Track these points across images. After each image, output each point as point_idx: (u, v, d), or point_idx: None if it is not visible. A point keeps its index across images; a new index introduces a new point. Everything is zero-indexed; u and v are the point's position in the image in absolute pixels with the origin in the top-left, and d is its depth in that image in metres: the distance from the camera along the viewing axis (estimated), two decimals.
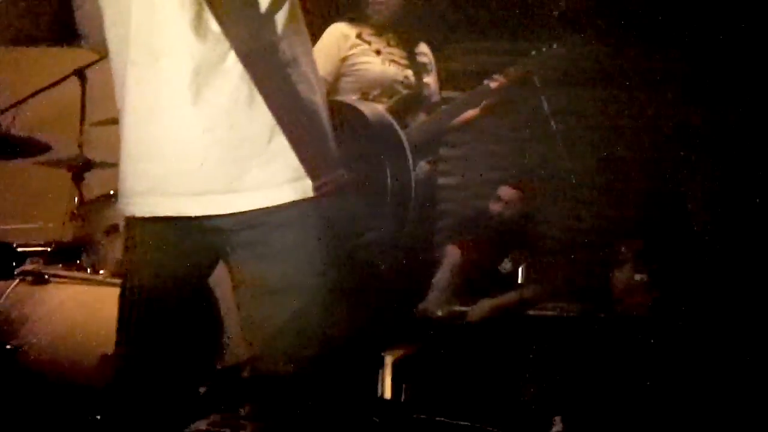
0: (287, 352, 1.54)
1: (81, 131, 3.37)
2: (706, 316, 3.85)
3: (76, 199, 3.24)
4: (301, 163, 1.51)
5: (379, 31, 3.10)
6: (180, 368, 1.66)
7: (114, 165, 3.37)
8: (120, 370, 1.66)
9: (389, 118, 1.73)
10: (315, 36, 3.11)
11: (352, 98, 2.89)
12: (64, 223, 3.30)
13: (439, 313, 4.51)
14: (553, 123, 2.56)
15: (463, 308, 4.54)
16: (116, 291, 2.60)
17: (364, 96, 3.02)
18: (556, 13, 2.96)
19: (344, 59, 3.03)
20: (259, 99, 1.50)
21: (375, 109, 1.75)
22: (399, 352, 4.12)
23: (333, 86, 3.03)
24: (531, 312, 4.55)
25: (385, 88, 3.03)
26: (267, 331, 1.55)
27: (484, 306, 4.44)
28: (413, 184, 1.69)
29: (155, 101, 1.52)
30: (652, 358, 3.89)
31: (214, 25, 1.49)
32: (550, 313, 4.53)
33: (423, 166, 3.08)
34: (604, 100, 5.43)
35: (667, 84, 5.41)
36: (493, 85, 3.10)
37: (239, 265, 1.57)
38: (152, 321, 1.63)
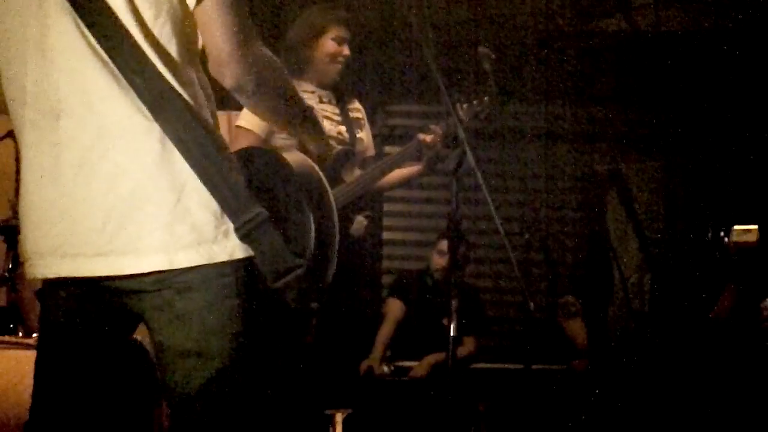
0: (204, 419, 1.49)
1: (16, 193, 3.31)
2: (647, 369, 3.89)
3: (5, 260, 3.17)
4: (221, 207, 1.46)
5: (311, 88, 3.13)
6: None
7: None
8: None
9: (312, 164, 1.70)
10: None
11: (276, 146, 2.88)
12: None
13: (384, 369, 4.48)
14: (479, 177, 2.59)
15: (408, 363, 4.53)
16: None
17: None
18: (488, 65, 3.03)
19: None
20: (167, 157, 1.45)
21: (299, 157, 1.72)
22: (348, 410, 4.07)
23: (266, 142, 3.03)
24: (477, 365, 4.55)
25: None
26: (184, 396, 1.50)
27: (428, 361, 4.44)
28: (336, 233, 1.65)
29: (55, 162, 1.48)
30: (596, 412, 3.91)
31: (120, 82, 1.45)
32: (497, 365, 4.54)
33: (360, 220, 3.10)
34: (533, 155, 5.56)
35: (599, 139, 5.57)
36: (426, 139, 3.15)
37: (155, 327, 1.52)
38: (66, 388, 1.57)
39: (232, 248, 1.48)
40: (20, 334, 2.91)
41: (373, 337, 4.57)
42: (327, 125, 3.07)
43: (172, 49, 1.48)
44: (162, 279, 1.46)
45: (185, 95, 1.47)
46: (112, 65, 1.45)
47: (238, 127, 3.01)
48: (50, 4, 1.47)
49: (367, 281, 4.43)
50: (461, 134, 2.70)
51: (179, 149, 1.45)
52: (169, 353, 1.50)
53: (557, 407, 4.07)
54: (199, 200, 1.46)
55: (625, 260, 5.20)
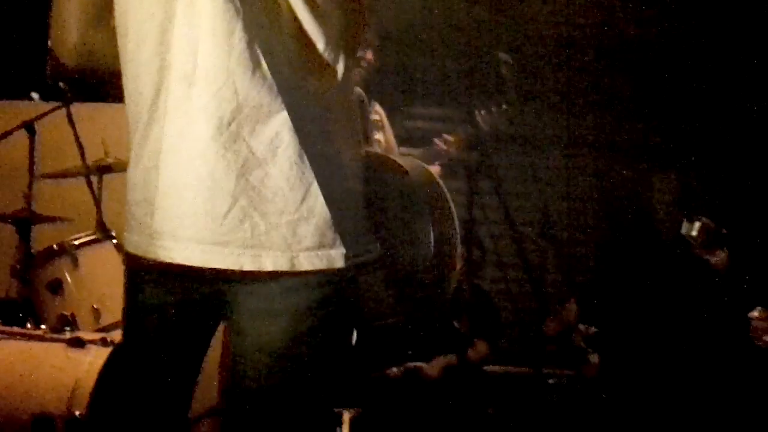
0: (261, 417, 1.46)
1: (29, 185, 3.33)
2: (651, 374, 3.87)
3: (18, 253, 3.18)
4: (334, 229, 1.41)
5: None
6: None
7: (59, 219, 3.35)
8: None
9: (430, 171, 1.65)
10: None
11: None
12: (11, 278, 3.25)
13: (395, 370, 4.48)
14: (496, 182, 2.59)
15: (419, 364, 4.52)
16: (55, 346, 2.58)
17: None
18: (506, 72, 3.03)
19: None
20: (300, 150, 1.40)
21: (413, 162, 1.68)
22: (356, 410, 4.08)
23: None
24: (488, 368, 4.54)
25: None
26: (250, 391, 1.46)
27: (439, 363, 4.42)
28: (458, 243, 1.60)
29: (186, 134, 1.40)
30: (605, 418, 3.89)
31: (263, 61, 1.38)
32: (507, 369, 4.53)
33: None
34: (551, 161, 5.55)
35: (619, 146, 5.55)
36: (444, 144, 3.16)
37: (242, 317, 1.46)
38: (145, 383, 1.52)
39: (346, 256, 1.44)
40: (29, 326, 2.93)
41: (385, 337, 4.57)
42: None
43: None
44: (274, 277, 1.41)
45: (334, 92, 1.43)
46: (258, 44, 1.39)
47: None
48: None
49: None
50: (479, 140, 2.70)
51: (307, 142, 1.40)
52: (251, 347, 1.45)
53: (567, 412, 4.06)
54: (323, 202, 1.41)
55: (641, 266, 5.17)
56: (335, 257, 1.42)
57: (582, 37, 5.01)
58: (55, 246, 3.07)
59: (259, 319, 1.44)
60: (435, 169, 3.26)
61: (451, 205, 1.59)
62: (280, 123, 1.39)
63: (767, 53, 4.55)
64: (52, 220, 3.30)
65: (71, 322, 2.68)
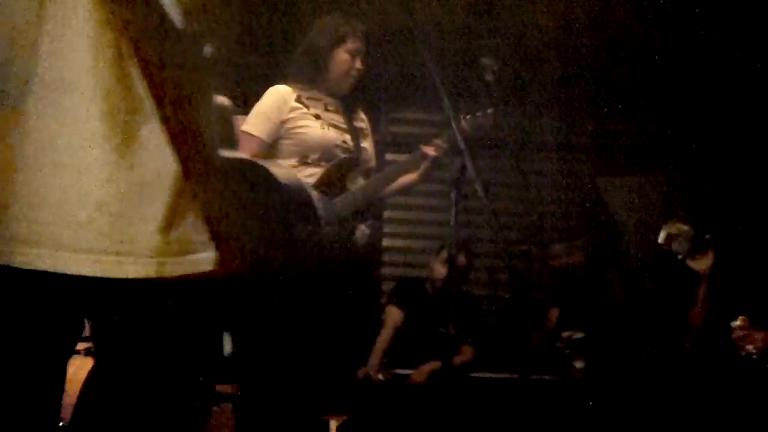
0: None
1: None
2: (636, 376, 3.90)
3: None
4: (209, 230, 1.42)
5: (318, 95, 3.13)
6: None
7: None
8: None
9: (295, 174, 1.70)
10: None
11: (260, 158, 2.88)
12: None
13: (381, 377, 4.48)
14: (480, 187, 2.60)
15: (405, 371, 4.53)
16: None
17: (303, 159, 3.03)
18: (490, 76, 3.04)
19: (284, 122, 3.04)
20: (167, 156, 1.39)
21: (284, 169, 1.73)
22: (342, 417, 4.07)
23: (271, 149, 3.04)
24: (474, 374, 4.55)
25: (325, 152, 3.04)
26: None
27: (425, 369, 4.43)
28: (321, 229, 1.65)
29: (52, 143, 1.37)
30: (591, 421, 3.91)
31: (133, 67, 1.38)
32: (492, 375, 4.54)
33: (363, 229, 3.10)
34: (536, 166, 5.58)
35: (604, 150, 5.58)
36: (428, 150, 3.17)
37: (110, 331, 1.48)
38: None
39: (209, 260, 1.44)
40: None
41: (371, 343, 4.57)
42: (333, 133, 3.08)
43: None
44: (140, 284, 1.40)
45: (200, 92, 1.43)
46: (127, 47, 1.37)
47: (243, 132, 3.02)
48: None
49: (368, 288, 4.43)
50: (462, 145, 2.71)
51: (180, 150, 1.39)
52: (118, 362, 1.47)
53: (554, 418, 4.07)
54: (191, 207, 1.42)
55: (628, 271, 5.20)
56: (206, 260, 1.43)
57: (573, 39, 5.03)
58: None
59: (121, 328, 1.45)
60: (414, 175, 3.25)
61: (315, 200, 1.63)
62: (154, 122, 1.39)
63: (762, 53, 4.58)
64: None
65: None
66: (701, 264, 3.31)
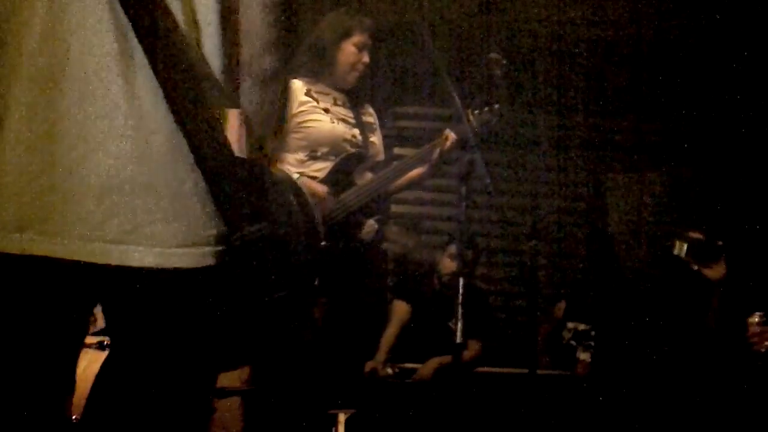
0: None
1: None
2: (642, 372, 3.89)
3: None
4: (223, 213, 1.40)
5: (325, 89, 3.12)
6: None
7: None
8: None
9: (293, 177, 1.70)
10: None
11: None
12: None
13: (388, 371, 4.48)
14: (488, 183, 2.59)
15: (412, 365, 4.53)
16: None
17: (312, 153, 3.03)
18: (498, 72, 3.02)
19: (293, 116, 3.04)
20: (174, 146, 1.37)
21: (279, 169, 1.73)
22: (351, 411, 4.07)
23: (280, 143, 3.03)
24: (482, 369, 4.55)
25: (333, 147, 3.04)
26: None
27: (433, 364, 4.43)
28: (317, 228, 1.65)
29: (50, 129, 1.35)
30: (596, 416, 3.91)
31: (136, 53, 1.35)
32: (502, 370, 4.54)
33: (371, 224, 3.09)
34: (543, 161, 5.57)
35: (609, 147, 5.58)
36: (440, 144, 3.15)
37: (116, 321, 1.46)
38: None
39: (216, 254, 1.43)
40: None
41: (378, 338, 4.57)
42: (342, 127, 3.07)
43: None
44: (146, 273, 1.38)
45: (203, 85, 1.40)
46: (130, 31, 1.34)
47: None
48: None
49: (375, 283, 4.43)
50: (472, 140, 2.71)
51: (188, 142, 1.37)
52: (129, 354, 1.45)
53: (561, 413, 4.07)
54: (198, 198, 1.40)
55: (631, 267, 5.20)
56: (206, 255, 1.41)
57: (575, 35, 5.03)
58: None
59: (130, 319, 1.43)
60: (422, 169, 3.25)
61: (308, 196, 1.67)
62: (154, 120, 1.37)
63: (764, 49, 4.56)
64: None
65: None
66: (714, 272, 3.28)
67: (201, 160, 1.39)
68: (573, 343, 4.64)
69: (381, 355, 4.51)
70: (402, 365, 4.55)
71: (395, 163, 3.31)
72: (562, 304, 4.76)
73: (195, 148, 1.38)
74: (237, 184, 1.42)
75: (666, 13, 4.67)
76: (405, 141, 5.44)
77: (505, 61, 3.04)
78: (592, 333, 4.59)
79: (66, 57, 1.36)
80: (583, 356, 4.57)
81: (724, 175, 4.99)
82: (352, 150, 3.06)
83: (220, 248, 1.42)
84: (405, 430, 4.18)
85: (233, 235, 1.40)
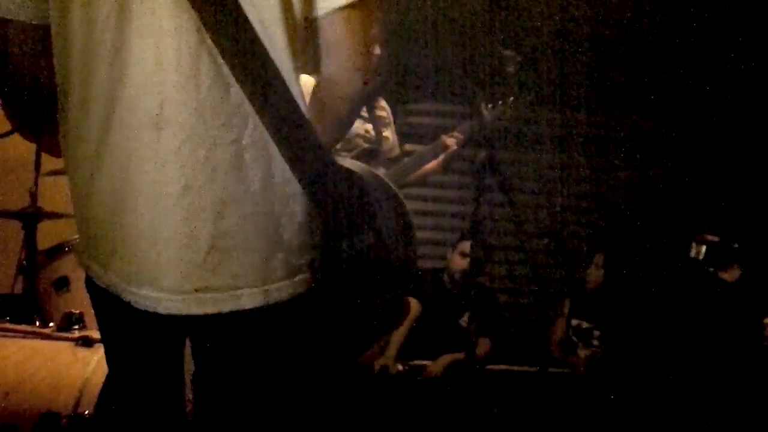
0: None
1: (35, 181, 3.31)
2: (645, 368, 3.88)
3: (24, 249, 3.16)
4: (309, 244, 1.40)
5: None
6: None
7: (66, 215, 3.34)
8: None
9: (370, 168, 1.67)
10: None
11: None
12: (15, 275, 3.23)
13: (399, 368, 4.46)
14: (502, 180, 2.59)
15: (422, 362, 4.51)
16: (64, 345, 2.56)
17: None
18: (512, 69, 3.01)
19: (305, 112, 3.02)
20: (272, 181, 1.36)
21: (362, 167, 1.70)
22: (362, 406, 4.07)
23: None
24: (492, 367, 4.54)
25: (346, 142, 3.02)
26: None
27: (443, 361, 4.41)
28: (413, 229, 1.63)
29: (155, 181, 1.33)
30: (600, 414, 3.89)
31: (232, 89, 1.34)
32: (512, 367, 4.52)
33: None
34: (553, 158, 5.56)
35: (618, 143, 5.56)
36: (449, 140, 3.14)
37: (203, 348, 1.45)
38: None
39: (308, 279, 1.43)
40: (37, 323, 2.91)
41: (388, 335, 4.55)
42: (356, 123, 3.05)
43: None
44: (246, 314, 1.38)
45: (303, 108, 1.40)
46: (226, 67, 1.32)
47: None
48: None
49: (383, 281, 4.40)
50: (488, 135, 2.69)
51: (292, 170, 1.35)
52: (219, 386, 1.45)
53: (570, 411, 4.05)
54: (292, 229, 1.39)
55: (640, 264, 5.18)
56: (301, 282, 1.41)
57: (582, 31, 5.00)
58: (64, 244, 3.05)
59: (221, 348, 1.43)
60: (433, 164, 3.24)
61: (401, 196, 1.62)
62: (253, 159, 1.35)
63: (762, 53, 4.54)
64: (58, 216, 3.28)
65: (79, 321, 2.66)
66: (731, 275, 3.27)
67: (308, 182, 1.37)
68: (575, 339, 4.63)
69: (391, 351, 4.49)
70: (412, 362, 4.54)
71: (407, 159, 3.30)
72: (567, 302, 4.74)
73: (302, 171, 1.36)
74: (340, 197, 1.42)
75: (669, 11, 4.65)
76: (415, 138, 5.43)
77: (519, 58, 3.02)
78: (595, 332, 4.57)
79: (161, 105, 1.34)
80: (583, 353, 4.55)
81: (736, 175, 4.97)
82: (365, 145, 3.05)
83: (308, 275, 1.42)
84: (414, 427, 4.17)
85: (340, 248, 1.41)
